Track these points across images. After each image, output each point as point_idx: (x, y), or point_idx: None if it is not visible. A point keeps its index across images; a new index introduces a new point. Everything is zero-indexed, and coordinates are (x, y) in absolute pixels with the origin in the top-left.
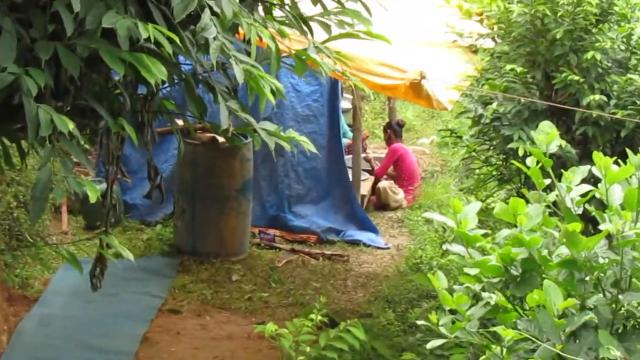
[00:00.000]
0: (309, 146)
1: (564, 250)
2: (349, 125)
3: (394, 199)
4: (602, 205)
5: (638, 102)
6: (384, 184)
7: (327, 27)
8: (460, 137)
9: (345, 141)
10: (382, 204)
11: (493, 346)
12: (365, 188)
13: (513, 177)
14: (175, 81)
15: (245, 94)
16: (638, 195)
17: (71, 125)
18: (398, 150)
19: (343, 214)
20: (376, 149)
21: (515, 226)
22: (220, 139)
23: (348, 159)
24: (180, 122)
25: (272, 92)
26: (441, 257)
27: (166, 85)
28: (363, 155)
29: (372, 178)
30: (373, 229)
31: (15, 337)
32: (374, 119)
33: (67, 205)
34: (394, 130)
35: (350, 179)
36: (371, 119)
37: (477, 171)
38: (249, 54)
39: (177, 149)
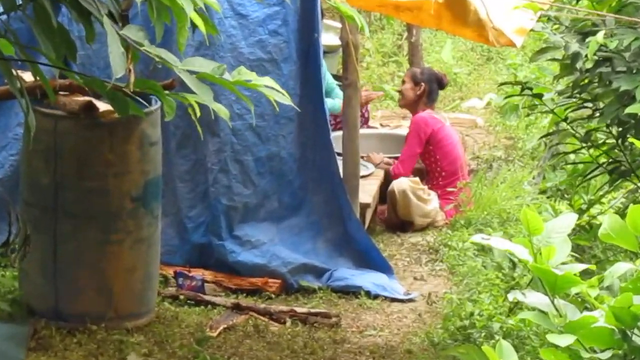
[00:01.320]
0: (284, 98)
1: None
2: (336, 79)
3: (420, 210)
4: None
5: None
6: (402, 183)
7: None
8: (540, 96)
9: (331, 104)
10: (399, 220)
11: None
12: (368, 191)
13: (636, 169)
14: (19, 2)
15: (145, 27)
16: None
17: None
18: (429, 124)
19: (328, 240)
20: (387, 120)
21: None
22: (103, 106)
23: (336, 138)
24: (27, 76)
25: (199, 16)
26: (507, 315)
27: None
28: (364, 131)
29: (379, 173)
30: (383, 266)
31: None
32: (383, 65)
33: None
34: (426, 89)
35: (342, 176)
36: (377, 66)
37: (572, 157)
38: None
39: (24, 125)
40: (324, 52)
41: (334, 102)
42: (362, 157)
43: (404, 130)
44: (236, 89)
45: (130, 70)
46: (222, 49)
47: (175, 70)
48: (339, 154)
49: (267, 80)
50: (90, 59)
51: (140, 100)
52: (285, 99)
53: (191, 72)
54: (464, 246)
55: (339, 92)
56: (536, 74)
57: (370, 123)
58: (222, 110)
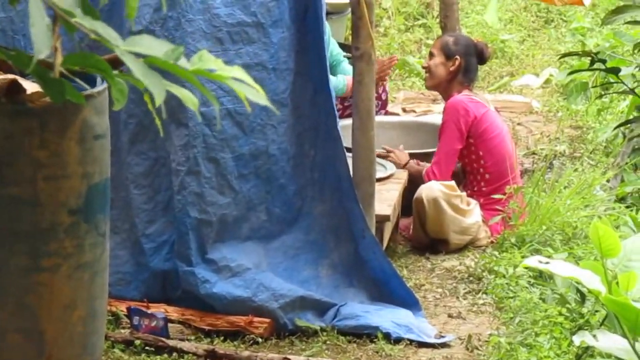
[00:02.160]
0: (258, 96)
1: None
2: (343, 48)
3: (457, 224)
4: None
5: None
6: (432, 189)
7: None
8: (616, 71)
9: (336, 83)
10: (429, 238)
11: None
12: (387, 199)
13: None
14: None
15: None
16: None
17: None
18: (469, 109)
19: (334, 265)
20: (412, 104)
21: None
22: (31, 87)
23: (344, 128)
24: None
25: None
26: None
27: None
28: (382, 119)
29: (401, 175)
30: (407, 300)
31: None
32: (406, 31)
33: None
34: (462, 64)
35: (352, 179)
36: (399, 32)
37: None
38: None
39: None
40: (328, 13)
41: (338, 80)
42: (380, 155)
43: (435, 118)
44: (197, 80)
45: (57, 49)
46: (191, 10)
47: (116, 51)
48: (347, 150)
49: (237, 71)
50: (13, 24)
51: (79, 82)
52: (260, 97)
53: (138, 55)
54: (516, 272)
55: (347, 67)
56: (611, 41)
57: (390, 108)
58: (187, 98)
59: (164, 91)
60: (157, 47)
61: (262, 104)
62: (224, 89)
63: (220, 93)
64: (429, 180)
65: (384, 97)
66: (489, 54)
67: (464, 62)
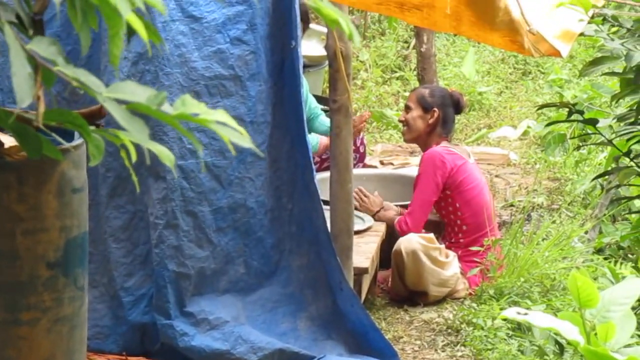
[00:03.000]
0: (243, 139)
1: None
2: (320, 102)
3: (436, 277)
4: None
5: None
6: (411, 241)
7: None
8: (594, 123)
9: (315, 140)
10: (407, 290)
11: None
12: (365, 252)
13: None
14: None
15: (65, 33)
16: None
17: None
18: (446, 161)
19: (313, 317)
20: (390, 157)
21: None
22: (9, 141)
23: (322, 181)
24: None
25: (140, 18)
26: None
27: None
28: (360, 172)
29: (379, 227)
30: (386, 352)
31: None
32: (384, 83)
33: None
34: (440, 116)
35: (329, 230)
36: (376, 85)
37: (637, 204)
38: None
39: None
40: (305, 67)
41: (313, 138)
42: (357, 207)
43: (412, 170)
44: (179, 124)
45: (39, 98)
46: (169, 63)
47: (99, 98)
48: (325, 203)
49: (221, 115)
50: None
51: (56, 137)
52: (244, 140)
53: (121, 102)
54: (494, 324)
55: (324, 120)
56: (589, 92)
57: (368, 160)
58: (163, 154)
59: (146, 134)
60: (140, 93)
61: (247, 147)
62: (202, 141)
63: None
64: (401, 229)
65: (361, 150)
66: (464, 103)
67: (442, 114)
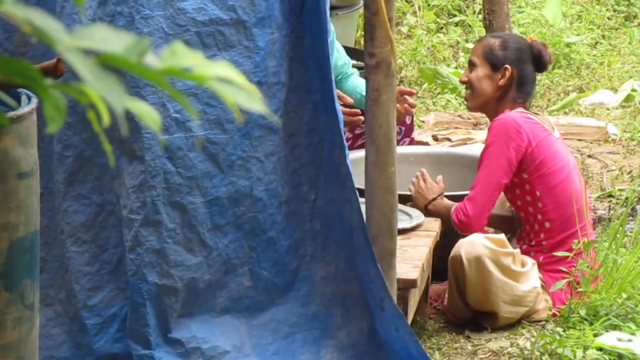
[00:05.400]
0: (253, 101)
1: None
2: (352, 55)
3: (508, 292)
4: None
5: None
6: (474, 244)
7: None
8: None
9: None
10: (470, 310)
11: None
12: (413, 258)
13: None
14: None
15: None
16: None
17: None
18: (523, 131)
19: (343, 346)
20: (447, 130)
21: None
22: None
23: (356, 163)
24: None
25: None
26: None
27: None
28: (404, 150)
29: (433, 225)
30: None
31: None
32: (438, 31)
33: None
34: (514, 75)
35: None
36: (428, 33)
37: None
38: None
39: None
40: (332, 8)
41: (344, 98)
42: (404, 200)
43: (477, 148)
44: (168, 83)
45: None
46: (148, 3)
47: (59, 48)
48: (360, 192)
49: (223, 67)
50: None
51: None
52: (255, 102)
53: (88, 53)
54: (587, 355)
55: (357, 81)
56: None
57: (416, 135)
58: (147, 115)
59: (122, 94)
60: (114, 41)
61: (259, 112)
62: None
63: (187, 115)
64: (459, 220)
65: (408, 122)
66: (548, 57)
67: (517, 72)
